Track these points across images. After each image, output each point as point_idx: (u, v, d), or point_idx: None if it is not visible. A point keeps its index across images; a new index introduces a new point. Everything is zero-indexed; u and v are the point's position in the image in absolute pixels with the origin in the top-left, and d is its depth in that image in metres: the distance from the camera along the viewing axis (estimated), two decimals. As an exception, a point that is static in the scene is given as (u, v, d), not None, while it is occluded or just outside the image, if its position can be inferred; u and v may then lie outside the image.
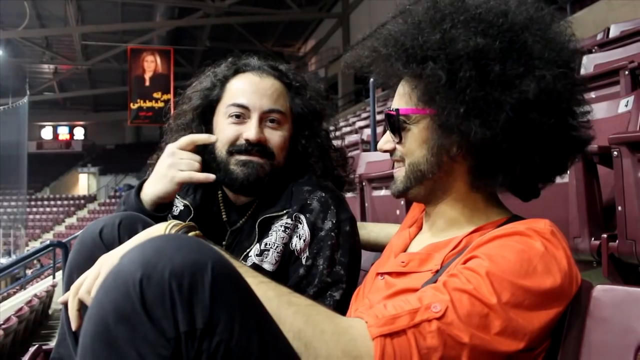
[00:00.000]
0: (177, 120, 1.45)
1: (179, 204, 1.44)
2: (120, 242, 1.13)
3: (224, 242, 1.39)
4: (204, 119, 1.40)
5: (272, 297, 0.88)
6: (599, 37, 4.95)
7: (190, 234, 1.01)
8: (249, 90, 1.35)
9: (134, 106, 23.03)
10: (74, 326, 1.04)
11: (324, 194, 1.32)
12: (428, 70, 0.97)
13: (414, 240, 1.15)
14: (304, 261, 1.29)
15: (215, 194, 1.44)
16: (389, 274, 1.07)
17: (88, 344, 0.75)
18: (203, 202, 1.44)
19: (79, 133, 30.68)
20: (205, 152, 1.37)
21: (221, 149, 1.34)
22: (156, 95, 22.98)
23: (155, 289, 0.74)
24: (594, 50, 4.13)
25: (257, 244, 1.32)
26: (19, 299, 10.60)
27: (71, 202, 26.98)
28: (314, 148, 1.41)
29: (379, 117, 5.49)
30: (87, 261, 1.13)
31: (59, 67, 25.54)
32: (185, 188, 1.44)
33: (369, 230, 1.54)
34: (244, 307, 0.79)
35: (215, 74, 1.41)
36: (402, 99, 1.06)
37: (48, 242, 5.09)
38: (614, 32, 4.78)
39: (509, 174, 0.99)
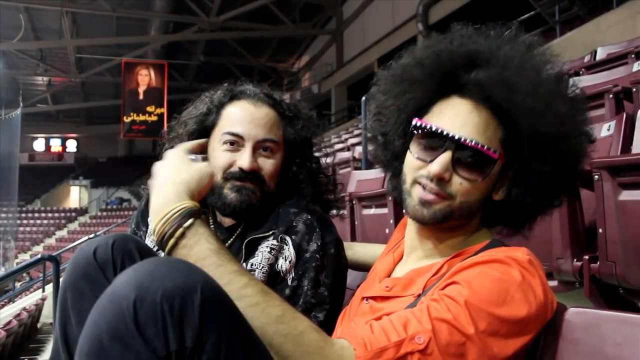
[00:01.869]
0: (171, 143, 1.47)
1: None
2: (114, 261, 1.18)
3: None
4: None
5: (258, 325, 0.90)
6: (587, 59, 5.02)
7: (177, 233, 0.99)
8: (244, 119, 1.38)
9: (127, 119, 23.00)
10: None
11: (309, 216, 1.36)
12: (541, 128, 1.01)
13: (398, 265, 1.19)
14: (289, 282, 1.32)
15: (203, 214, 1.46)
16: (374, 298, 1.09)
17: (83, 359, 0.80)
18: None
19: (72, 145, 30.56)
20: None
21: (216, 174, 1.37)
22: (149, 109, 22.97)
23: (148, 311, 0.79)
24: (581, 72, 4.20)
25: (243, 264, 1.35)
26: (8, 312, 10.50)
27: (62, 214, 26.79)
28: (304, 174, 1.46)
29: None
30: (81, 279, 1.18)
31: (52, 79, 25.51)
32: None
33: (355, 251, 1.58)
34: (230, 326, 0.84)
35: (212, 100, 1.44)
36: (482, 135, 1.04)
37: (39, 255, 5.06)
38: (600, 54, 4.86)
39: (523, 221, 1.11)
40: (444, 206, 1.05)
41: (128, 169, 27.24)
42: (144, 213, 1.53)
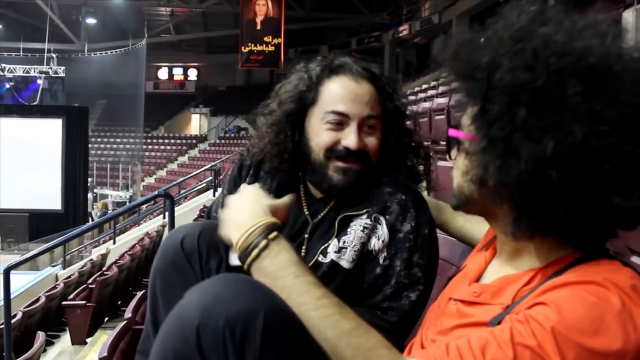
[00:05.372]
0: (266, 117, 1.47)
1: None
2: (200, 252, 1.29)
3: (306, 235, 1.42)
4: (295, 122, 1.42)
5: (332, 336, 0.90)
6: None
7: (261, 244, 1.00)
8: (347, 97, 1.36)
9: (245, 49, 23.47)
10: None
11: (404, 197, 1.36)
12: (466, 87, 0.95)
13: (489, 265, 1.10)
14: (381, 261, 1.34)
15: (293, 186, 1.47)
16: (462, 301, 1.04)
17: None
18: (280, 193, 1.42)
19: (193, 74, 31.58)
20: (297, 152, 1.41)
21: (318, 153, 1.38)
22: (267, 39, 23.29)
23: (211, 336, 0.84)
24: None
25: (335, 240, 1.37)
26: (133, 235, 11.34)
27: (184, 141, 28.10)
28: (400, 147, 1.46)
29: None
30: (169, 268, 1.29)
31: (175, 9, 26.29)
32: (263, 178, 1.50)
33: (466, 218, 1.49)
34: (294, 351, 0.87)
35: (310, 76, 1.41)
36: (463, 119, 1.00)
37: (156, 192, 5.63)
38: None
39: (546, 226, 0.89)
40: (453, 191, 1.03)
41: (246, 98, 27.79)
42: (237, 180, 1.55)
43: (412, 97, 11.04)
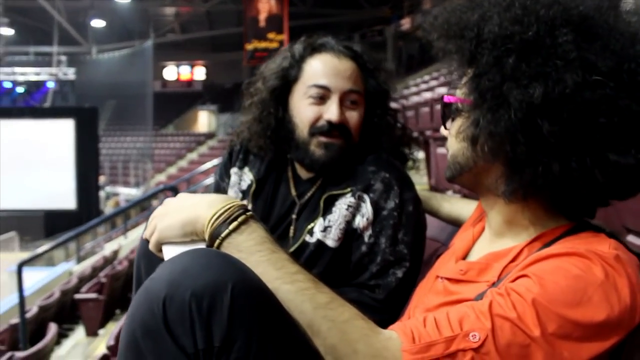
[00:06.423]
0: (253, 97, 1.50)
1: (247, 179, 1.53)
2: None
3: (294, 215, 1.44)
4: (279, 98, 1.46)
5: (308, 309, 0.88)
6: None
7: (240, 218, 0.96)
8: (329, 72, 1.39)
9: (249, 47, 23.56)
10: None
11: (387, 175, 1.37)
12: (456, 47, 0.94)
13: (477, 241, 1.10)
14: (366, 239, 1.35)
15: (281, 167, 1.50)
16: (448, 279, 1.03)
17: (122, 350, 0.86)
18: (267, 174, 1.51)
19: (199, 73, 31.48)
20: (281, 130, 1.44)
21: (302, 129, 1.40)
22: (270, 35, 23.31)
23: (177, 309, 0.81)
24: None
25: (321, 219, 1.38)
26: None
27: (192, 138, 28.04)
28: (384, 126, 1.47)
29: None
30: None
31: (179, 9, 26.49)
32: (252, 162, 1.52)
33: (452, 203, 1.55)
34: (263, 323, 0.84)
35: (292, 54, 1.45)
36: (458, 87, 1.01)
37: (162, 185, 5.93)
38: None
39: (539, 184, 0.88)
40: (448, 161, 1.03)
41: (252, 95, 27.74)
42: (227, 165, 1.57)
43: (415, 89, 10.88)
